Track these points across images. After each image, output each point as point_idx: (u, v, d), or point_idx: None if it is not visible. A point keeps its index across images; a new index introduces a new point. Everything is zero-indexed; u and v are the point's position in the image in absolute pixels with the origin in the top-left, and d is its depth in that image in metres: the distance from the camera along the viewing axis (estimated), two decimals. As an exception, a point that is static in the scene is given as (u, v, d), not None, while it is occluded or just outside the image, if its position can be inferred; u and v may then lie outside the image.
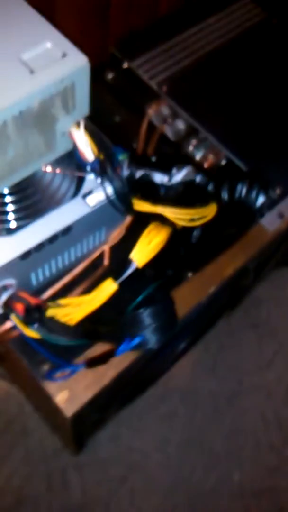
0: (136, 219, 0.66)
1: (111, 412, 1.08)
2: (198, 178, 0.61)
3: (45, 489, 1.16)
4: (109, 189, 0.59)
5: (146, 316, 0.56)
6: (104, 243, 0.69)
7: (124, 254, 0.62)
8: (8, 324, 0.62)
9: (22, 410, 1.23)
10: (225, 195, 0.61)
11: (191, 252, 0.69)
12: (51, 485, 1.16)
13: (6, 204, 0.59)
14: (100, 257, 0.69)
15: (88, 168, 0.59)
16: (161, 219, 0.62)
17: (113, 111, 0.81)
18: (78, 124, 0.57)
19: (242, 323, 1.40)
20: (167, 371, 1.25)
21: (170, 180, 0.60)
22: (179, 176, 0.60)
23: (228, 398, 1.30)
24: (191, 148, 0.75)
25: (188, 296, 0.68)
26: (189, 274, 0.69)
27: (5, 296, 0.57)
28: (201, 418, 1.27)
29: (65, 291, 0.66)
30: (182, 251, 0.68)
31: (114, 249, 0.69)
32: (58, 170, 0.61)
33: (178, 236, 0.64)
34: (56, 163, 0.61)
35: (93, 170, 0.59)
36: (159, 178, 0.61)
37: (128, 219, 0.68)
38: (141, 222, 0.63)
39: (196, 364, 1.33)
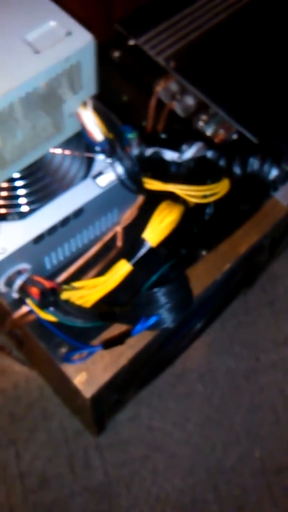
0: (148, 198, 0.66)
1: (130, 393, 1.08)
2: (209, 154, 0.60)
3: (68, 471, 1.17)
4: (120, 169, 0.58)
5: (161, 295, 0.56)
6: (116, 225, 0.68)
7: (137, 235, 0.62)
8: (24, 309, 0.62)
9: (42, 394, 1.24)
10: (237, 170, 0.60)
11: (205, 229, 0.68)
12: (73, 466, 1.18)
13: (17, 188, 0.59)
14: (113, 238, 0.69)
15: (98, 148, 0.59)
16: (173, 197, 0.61)
17: (121, 90, 0.80)
18: (85, 104, 0.56)
19: (258, 300, 1.40)
20: (185, 351, 1.26)
21: (180, 157, 0.60)
22: (189, 152, 0.59)
23: (246, 375, 1.30)
24: (201, 124, 0.74)
25: (203, 275, 0.68)
26: (203, 252, 0.69)
27: (20, 281, 0.57)
28: (220, 396, 1.27)
29: (79, 274, 0.66)
30: (195, 229, 0.67)
31: (127, 230, 0.68)
32: (67, 152, 0.61)
33: (191, 214, 0.64)
34: (65, 144, 0.60)
35: (102, 150, 0.58)
36: (169, 155, 0.60)
37: (140, 199, 0.67)
38: (153, 201, 0.63)
39: (213, 342, 1.33)
